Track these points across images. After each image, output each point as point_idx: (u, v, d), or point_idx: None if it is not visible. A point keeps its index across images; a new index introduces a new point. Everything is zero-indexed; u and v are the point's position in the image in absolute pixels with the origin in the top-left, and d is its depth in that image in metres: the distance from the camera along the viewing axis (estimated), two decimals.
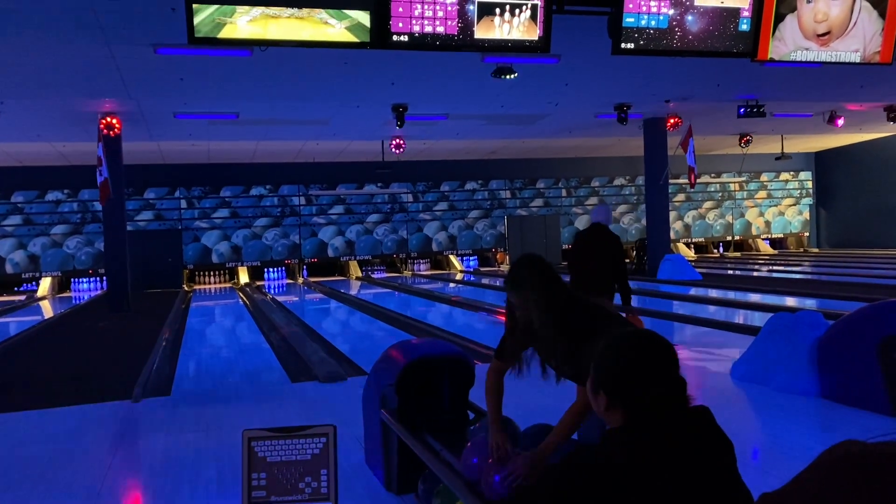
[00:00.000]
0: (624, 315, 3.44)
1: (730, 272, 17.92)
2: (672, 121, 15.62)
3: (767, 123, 16.74)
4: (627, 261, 22.28)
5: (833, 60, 6.99)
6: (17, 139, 14.98)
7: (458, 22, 5.95)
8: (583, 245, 6.03)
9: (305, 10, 5.75)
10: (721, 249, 25.41)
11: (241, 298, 16.07)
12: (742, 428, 4.46)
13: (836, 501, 0.78)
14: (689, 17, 6.43)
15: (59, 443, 4.95)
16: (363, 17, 5.80)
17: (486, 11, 6.00)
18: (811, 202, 26.07)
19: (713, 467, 1.47)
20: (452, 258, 22.78)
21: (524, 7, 6.09)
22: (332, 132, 15.98)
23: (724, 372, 6.16)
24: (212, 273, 21.21)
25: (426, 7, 5.87)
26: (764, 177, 25.50)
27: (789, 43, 6.79)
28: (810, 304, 10.81)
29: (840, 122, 16.29)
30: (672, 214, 21.57)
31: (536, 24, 6.13)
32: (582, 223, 24.02)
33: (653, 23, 6.33)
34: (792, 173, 25.76)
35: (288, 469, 1.81)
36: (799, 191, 26.00)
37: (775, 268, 18.82)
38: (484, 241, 23.25)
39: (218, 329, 12.09)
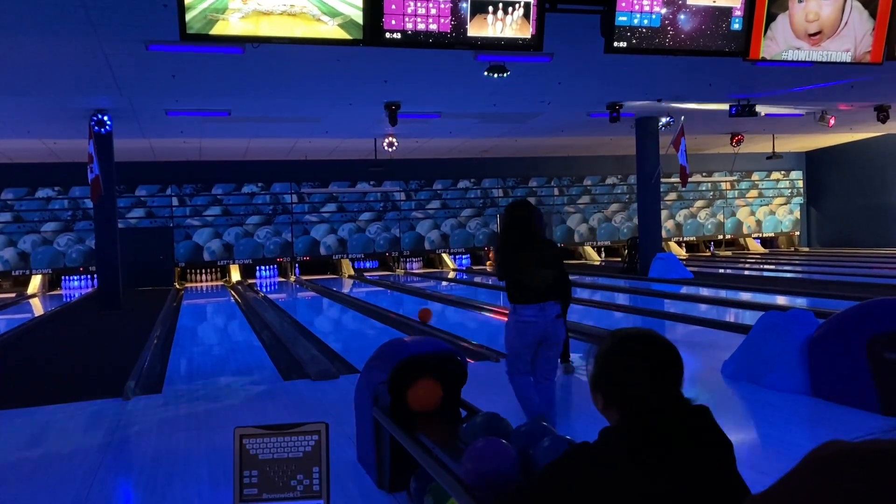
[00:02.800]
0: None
1: (721, 271, 17.99)
2: (664, 119, 15.66)
3: (759, 123, 16.80)
4: (619, 259, 22.42)
5: (824, 60, 7.02)
6: (7, 136, 14.89)
7: (451, 19, 5.94)
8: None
9: (298, 7, 5.73)
10: (712, 248, 25.52)
11: (233, 296, 16.03)
12: (732, 426, 4.47)
13: (823, 500, 0.78)
14: (682, 16, 6.45)
15: (50, 441, 4.94)
16: (356, 14, 5.79)
17: (479, 9, 5.99)
18: (802, 201, 26.20)
19: (711, 466, 1.47)
20: (445, 256, 22.79)
21: (517, 5, 6.09)
22: (324, 130, 15.95)
23: (715, 370, 6.18)
24: (203, 271, 21.14)
25: (419, 4, 5.86)
26: (755, 176, 25.61)
27: (781, 42, 6.82)
28: (801, 302, 10.86)
29: (832, 121, 16.36)
30: (663, 213, 21.62)
31: (529, 22, 6.14)
32: (574, 222, 24.08)
33: (645, 21, 6.34)
34: (783, 172, 25.88)
35: (280, 467, 1.81)
36: (790, 190, 26.13)
37: (766, 266, 18.91)
38: (476, 239, 23.26)
39: (209, 327, 12.06)
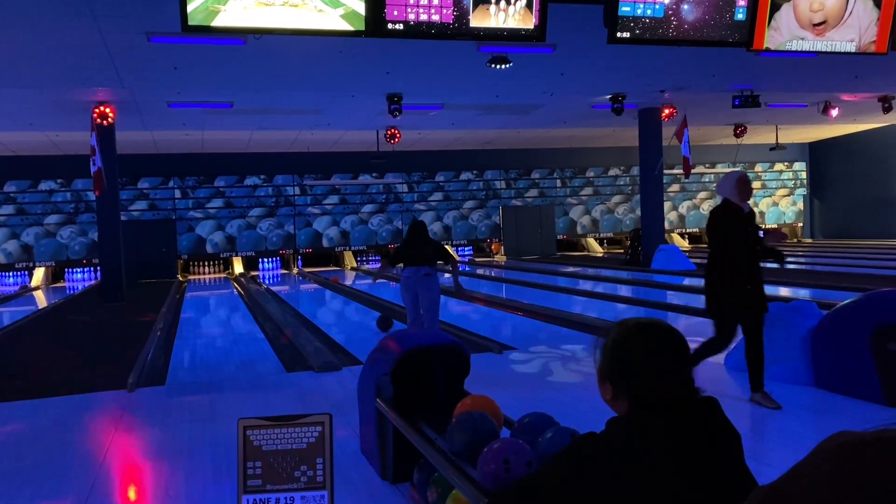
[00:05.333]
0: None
1: None
2: (667, 111, 15.62)
3: (762, 114, 16.74)
4: (621, 250, 22.41)
5: (828, 50, 6.98)
6: (10, 128, 14.89)
7: (454, 10, 5.92)
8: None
9: None
10: None
11: (236, 288, 16.04)
12: (736, 417, 4.47)
13: (833, 491, 0.77)
14: (685, 6, 6.41)
15: (54, 432, 4.95)
16: (358, 5, 5.77)
17: (481, 0, 5.96)
18: (805, 192, 26.13)
19: (718, 458, 1.46)
20: (447, 248, 22.76)
21: None
22: (326, 122, 15.92)
23: (719, 362, 6.17)
24: (206, 263, 21.16)
25: None
26: (758, 167, 25.54)
27: (785, 32, 6.78)
28: (804, 294, 10.84)
29: (834, 112, 16.30)
30: (666, 205, 21.61)
31: (532, 12, 6.11)
32: (577, 213, 24.04)
33: (649, 12, 6.31)
34: (786, 164, 25.81)
35: (283, 458, 1.81)
36: (793, 181, 26.05)
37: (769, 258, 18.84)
38: (479, 231, 23.25)
39: (212, 319, 12.08)
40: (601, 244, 24.32)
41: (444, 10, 5.89)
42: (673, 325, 1.60)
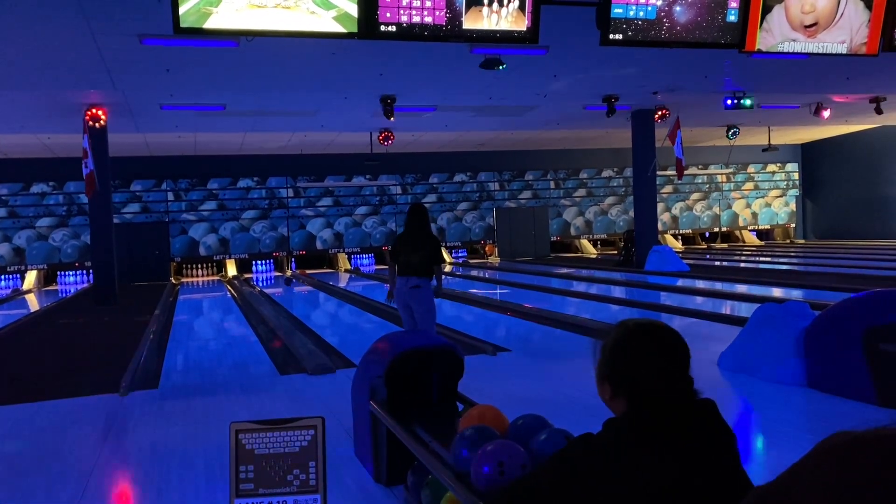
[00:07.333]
0: None
1: (717, 263, 18.01)
2: (660, 112, 15.66)
3: (754, 115, 16.80)
4: (615, 252, 22.43)
5: (820, 52, 7.01)
6: (1, 130, 14.81)
7: (447, 12, 5.91)
8: None
9: (292, 0, 5.70)
10: (707, 235, 25.54)
11: (229, 291, 16.00)
12: (729, 417, 4.48)
13: (833, 490, 0.77)
14: (678, 8, 6.42)
15: (47, 436, 4.92)
16: (350, 7, 5.76)
17: (474, 2, 5.96)
18: (798, 193, 26.22)
19: (715, 460, 1.46)
20: (441, 251, 22.72)
21: None
22: (319, 124, 15.90)
23: (712, 362, 6.19)
24: (199, 266, 21.09)
25: None
26: (751, 168, 25.62)
27: (777, 34, 6.80)
28: (797, 294, 10.88)
29: (826, 114, 16.37)
30: (660, 206, 21.64)
31: (525, 14, 6.11)
32: (570, 215, 24.06)
33: (641, 14, 6.32)
34: (779, 165, 25.90)
35: (276, 461, 1.80)
36: (786, 182, 26.14)
37: (762, 259, 18.94)
38: (473, 233, 23.25)
39: (206, 322, 12.04)
40: (595, 245, 24.35)
41: (437, 12, 5.89)
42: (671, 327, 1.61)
